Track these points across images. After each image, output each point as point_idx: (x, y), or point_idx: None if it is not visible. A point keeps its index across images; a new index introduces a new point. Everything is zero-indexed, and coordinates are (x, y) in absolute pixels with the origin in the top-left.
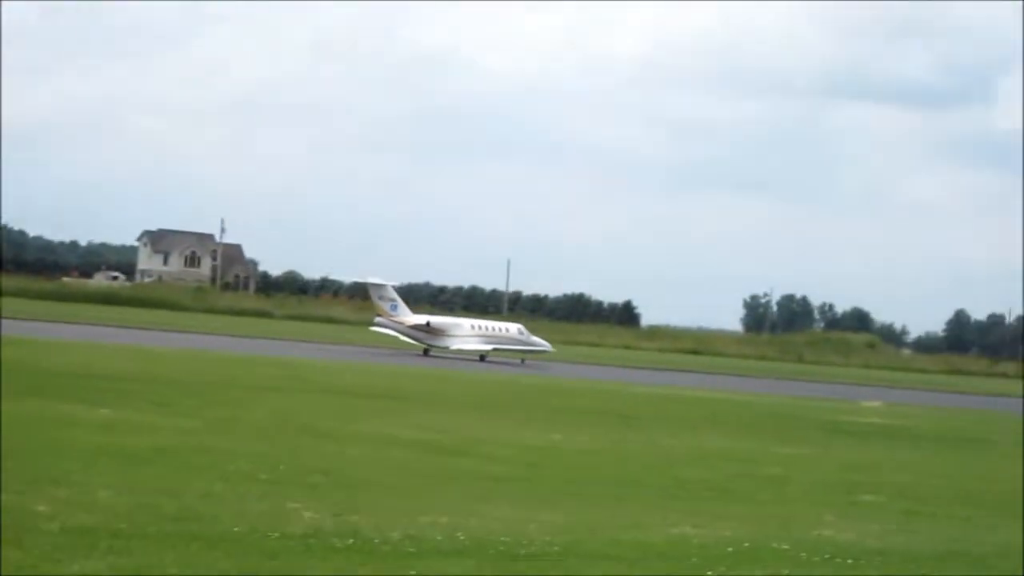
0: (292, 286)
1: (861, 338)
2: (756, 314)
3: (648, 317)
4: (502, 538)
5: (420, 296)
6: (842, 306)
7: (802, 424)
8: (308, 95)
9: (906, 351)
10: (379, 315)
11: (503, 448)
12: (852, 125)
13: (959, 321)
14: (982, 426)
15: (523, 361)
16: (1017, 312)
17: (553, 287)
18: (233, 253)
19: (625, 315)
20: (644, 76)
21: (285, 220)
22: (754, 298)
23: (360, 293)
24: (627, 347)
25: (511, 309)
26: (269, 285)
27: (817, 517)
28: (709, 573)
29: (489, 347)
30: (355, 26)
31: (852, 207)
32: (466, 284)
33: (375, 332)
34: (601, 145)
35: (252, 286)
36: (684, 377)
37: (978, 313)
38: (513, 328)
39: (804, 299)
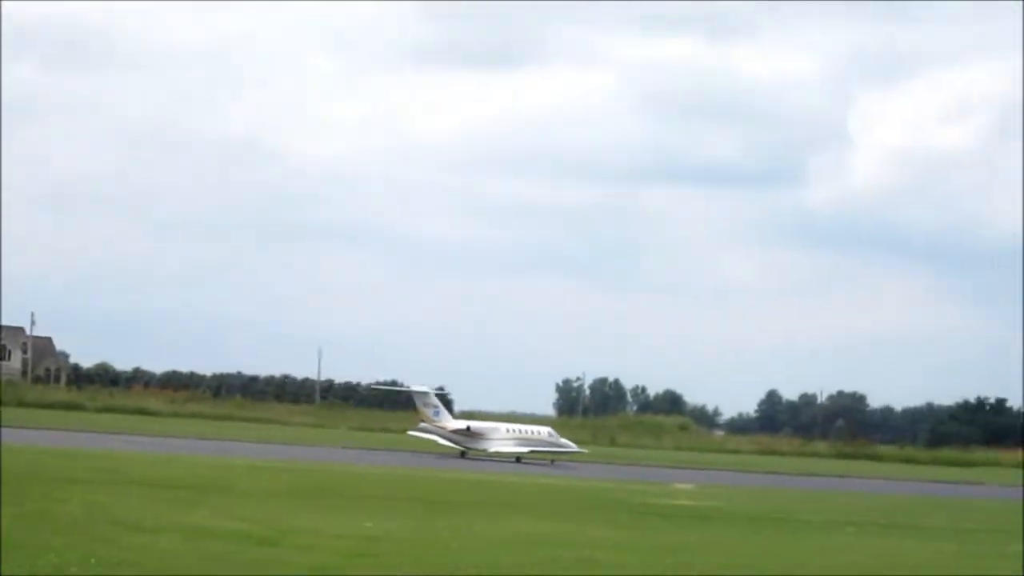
0: (104, 378)
1: (673, 420)
2: (569, 398)
3: (461, 403)
4: None
5: (232, 386)
6: (654, 389)
7: (613, 507)
8: (116, 185)
9: (719, 432)
10: (423, 420)
11: (315, 537)
12: (665, 208)
13: (771, 401)
14: (794, 505)
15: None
16: (828, 392)
17: (366, 375)
18: (44, 346)
19: (438, 401)
20: (454, 160)
21: (95, 312)
22: (567, 382)
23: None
24: None
25: (324, 397)
26: (81, 377)
27: None
28: None
29: (525, 449)
30: (164, 115)
31: (664, 289)
32: (278, 373)
33: (414, 436)
34: (411, 230)
35: (63, 379)
36: (495, 463)
37: (790, 393)
38: (544, 431)
39: (616, 382)
